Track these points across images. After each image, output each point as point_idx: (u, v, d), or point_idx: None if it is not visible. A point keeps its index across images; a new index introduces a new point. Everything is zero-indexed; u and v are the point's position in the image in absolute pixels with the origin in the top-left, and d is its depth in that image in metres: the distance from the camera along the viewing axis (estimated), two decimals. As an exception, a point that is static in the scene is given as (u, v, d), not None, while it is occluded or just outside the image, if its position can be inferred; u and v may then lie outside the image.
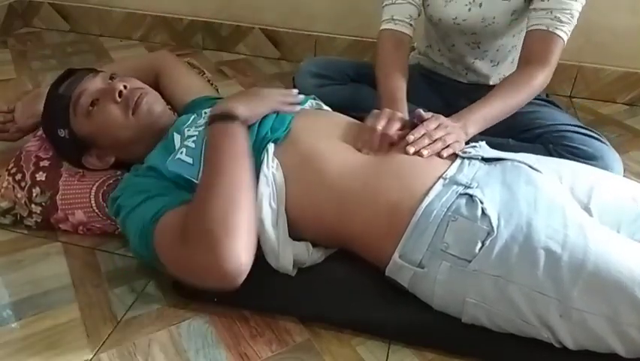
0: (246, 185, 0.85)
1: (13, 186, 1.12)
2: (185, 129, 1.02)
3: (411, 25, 1.28)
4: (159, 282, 1.00)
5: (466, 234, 0.84)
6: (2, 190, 1.13)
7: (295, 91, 1.10)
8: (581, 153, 1.19)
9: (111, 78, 1.07)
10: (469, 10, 1.26)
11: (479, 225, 0.84)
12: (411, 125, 1.04)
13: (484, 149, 1.02)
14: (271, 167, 0.94)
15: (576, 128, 1.24)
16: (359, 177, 0.93)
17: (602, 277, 0.78)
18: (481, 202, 0.86)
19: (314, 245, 0.97)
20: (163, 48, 2.18)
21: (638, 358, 0.80)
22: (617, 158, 1.19)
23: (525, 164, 0.96)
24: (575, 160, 1.13)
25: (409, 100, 1.16)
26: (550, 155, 1.19)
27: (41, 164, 1.14)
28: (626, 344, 0.79)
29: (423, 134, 0.98)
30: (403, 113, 1.10)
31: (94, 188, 1.11)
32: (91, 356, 0.87)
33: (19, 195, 1.11)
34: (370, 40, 1.96)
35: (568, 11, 1.13)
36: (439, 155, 0.97)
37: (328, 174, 0.94)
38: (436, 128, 1.00)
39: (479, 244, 0.83)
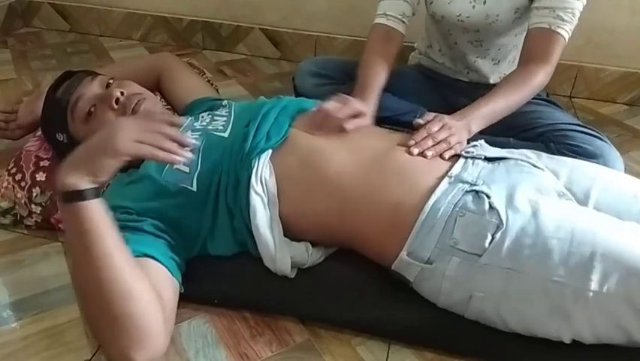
0: (116, 269, 0.75)
1: (13, 186, 1.12)
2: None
3: (403, 22, 1.29)
4: (159, 282, 1.00)
5: (475, 228, 0.84)
6: (2, 190, 1.13)
7: (182, 121, 0.99)
8: (582, 151, 1.19)
9: (109, 83, 1.06)
10: (473, 7, 1.26)
11: (488, 218, 0.84)
12: (416, 125, 1.04)
13: (485, 148, 1.02)
14: (263, 173, 0.94)
15: (577, 127, 1.24)
16: (360, 175, 0.93)
17: (614, 258, 0.78)
18: (488, 197, 0.86)
19: (314, 245, 0.97)
20: (163, 48, 2.18)
21: None
22: (618, 156, 1.19)
23: (527, 162, 0.97)
24: (576, 158, 1.13)
25: (409, 99, 1.16)
26: (552, 154, 1.18)
27: (41, 164, 1.14)
28: None
29: (426, 136, 0.98)
30: (369, 100, 1.13)
31: (94, 188, 1.10)
32: (91, 356, 0.86)
33: (19, 195, 1.11)
34: (370, 40, 1.96)
35: (570, 10, 1.14)
36: (441, 156, 0.98)
37: (329, 173, 0.94)
38: (439, 130, 1.00)
39: (489, 238, 0.83)
